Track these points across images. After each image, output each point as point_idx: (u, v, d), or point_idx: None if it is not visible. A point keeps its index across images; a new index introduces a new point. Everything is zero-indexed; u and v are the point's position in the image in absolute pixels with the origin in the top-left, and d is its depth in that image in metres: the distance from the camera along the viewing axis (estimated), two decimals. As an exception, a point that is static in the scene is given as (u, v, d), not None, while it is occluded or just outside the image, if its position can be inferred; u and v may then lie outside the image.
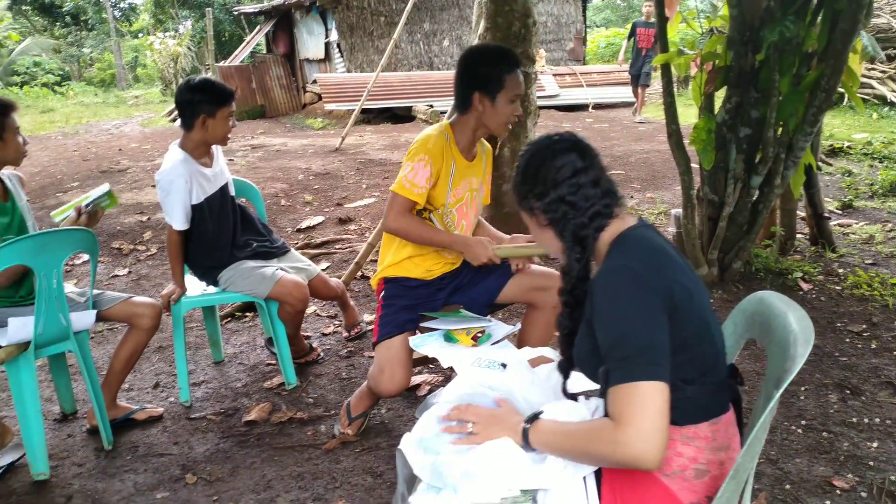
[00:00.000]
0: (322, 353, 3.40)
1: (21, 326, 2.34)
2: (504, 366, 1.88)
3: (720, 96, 3.76)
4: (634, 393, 1.21)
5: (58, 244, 2.41)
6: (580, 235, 1.42)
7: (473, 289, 2.53)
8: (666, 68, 3.78)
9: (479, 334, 2.25)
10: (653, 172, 7.35)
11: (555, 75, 14.17)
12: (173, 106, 14.79)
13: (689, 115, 9.66)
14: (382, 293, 2.53)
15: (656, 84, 12.96)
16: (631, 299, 1.27)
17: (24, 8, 27.65)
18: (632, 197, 6.28)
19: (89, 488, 2.42)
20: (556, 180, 1.42)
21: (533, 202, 1.45)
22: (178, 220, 2.81)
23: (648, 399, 1.20)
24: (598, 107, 13.84)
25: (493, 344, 2.21)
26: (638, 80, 11.14)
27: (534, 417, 1.40)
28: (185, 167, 2.79)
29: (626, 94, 14.32)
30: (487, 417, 1.45)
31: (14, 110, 2.52)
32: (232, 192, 3.07)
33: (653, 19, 10.18)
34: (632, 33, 10.97)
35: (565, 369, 1.55)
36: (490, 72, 2.27)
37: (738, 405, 1.44)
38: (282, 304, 2.93)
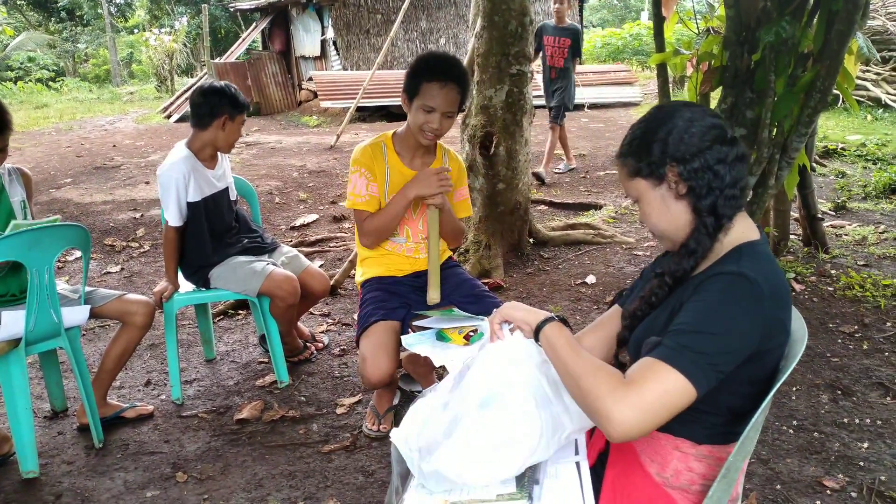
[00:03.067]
0: (315, 352, 3.39)
1: (12, 322, 2.33)
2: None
3: (715, 97, 3.77)
4: (667, 376, 1.13)
5: (50, 240, 2.40)
6: (719, 212, 1.28)
7: (455, 291, 2.55)
8: (662, 68, 3.78)
9: (472, 333, 2.24)
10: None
11: (551, 75, 14.16)
12: (168, 102, 14.79)
13: (684, 115, 9.65)
14: (361, 296, 2.64)
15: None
16: (739, 310, 1.17)
17: (18, 3, 27.52)
18: (626, 196, 6.28)
19: (79, 486, 2.41)
20: (702, 145, 1.29)
21: (670, 167, 1.30)
22: (174, 216, 2.83)
23: (672, 391, 1.12)
24: (594, 107, 13.84)
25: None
26: (553, 113, 7.09)
27: (562, 320, 1.34)
28: (185, 164, 2.82)
29: (622, 94, 14.35)
30: (519, 305, 1.41)
31: None
32: (233, 195, 3.10)
33: (569, 22, 6.97)
34: (538, 44, 6.86)
35: (622, 341, 1.46)
36: (410, 79, 2.35)
37: None
38: (273, 298, 2.93)
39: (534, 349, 1.38)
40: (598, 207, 5.86)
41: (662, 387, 1.12)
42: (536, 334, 1.33)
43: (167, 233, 2.88)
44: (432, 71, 2.31)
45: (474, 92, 4.32)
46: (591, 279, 4.20)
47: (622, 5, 35.76)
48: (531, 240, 4.71)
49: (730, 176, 1.29)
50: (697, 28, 3.99)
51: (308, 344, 3.38)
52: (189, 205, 2.85)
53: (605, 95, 14.22)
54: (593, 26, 31.20)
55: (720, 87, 3.67)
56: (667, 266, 1.36)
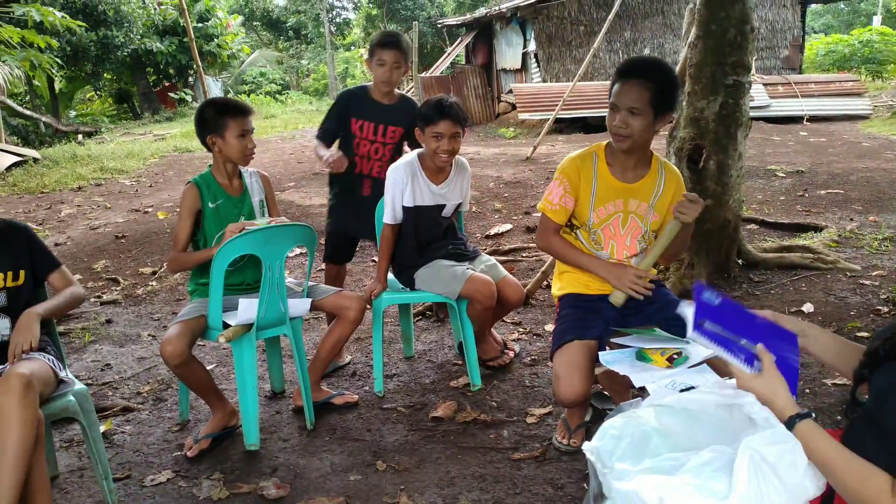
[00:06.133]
0: (508, 360, 3.42)
1: (248, 308, 2.61)
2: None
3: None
4: None
5: (283, 237, 2.67)
6: None
7: (663, 314, 2.42)
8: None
9: (676, 356, 2.14)
10: (877, 193, 6.59)
11: (765, 85, 13.21)
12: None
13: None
14: (558, 310, 2.62)
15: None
16: None
17: (254, 24, 30.93)
18: (852, 219, 5.68)
19: (292, 463, 2.63)
20: None
21: None
22: (388, 214, 3.03)
23: None
24: (814, 119, 12.70)
25: (690, 367, 2.10)
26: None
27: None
28: (407, 169, 3.00)
29: (848, 105, 13.03)
30: (777, 375, 1.37)
31: (235, 114, 2.78)
32: (447, 213, 3.16)
33: (397, 93, 3.41)
34: (336, 128, 3.41)
35: (860, 379, 1.39)
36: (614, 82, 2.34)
37: None
38: (471, 301, 3.00)
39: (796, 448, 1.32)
40: (818, 229, 5.34)
41: None
42: (791, 425, 1.31)
43: (383, 230, 3.08)
44: (618, 72, 2.33)
45: (684, 103, 4.15)
46: (808, 307, 3.84)
47: (849, 10, 32.53)
48: (739, 261, 4.41)
49: None
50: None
51: (504, 351, 3.43)
52: (403, 207, 3.02)
53: (828, 107, 13.01)
54: (815, 32, 28.66)
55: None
56: None
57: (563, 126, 12.48)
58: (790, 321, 1.56)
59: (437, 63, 17.96)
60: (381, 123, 3.35)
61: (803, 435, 1.27)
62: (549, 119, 9.84)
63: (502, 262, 4.92)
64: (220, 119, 2.77)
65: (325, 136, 3.40)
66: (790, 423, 1.29)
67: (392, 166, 3.03)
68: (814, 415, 1.31)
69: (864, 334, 3.43)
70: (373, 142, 3.38)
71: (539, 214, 2.59)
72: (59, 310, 2.40)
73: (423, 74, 16.20)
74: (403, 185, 2.98)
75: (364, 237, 3.57)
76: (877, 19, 24.19)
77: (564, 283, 2.64)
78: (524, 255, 5.28)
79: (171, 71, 20.63)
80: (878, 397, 1.30)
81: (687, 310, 1.61)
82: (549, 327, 3.75)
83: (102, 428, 2.85)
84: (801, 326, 1.55)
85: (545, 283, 4.29)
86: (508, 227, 6.03)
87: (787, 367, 1.42)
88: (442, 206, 3.13)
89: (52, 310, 2.34)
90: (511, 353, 3.50)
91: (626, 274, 2.39)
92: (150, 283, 5.11)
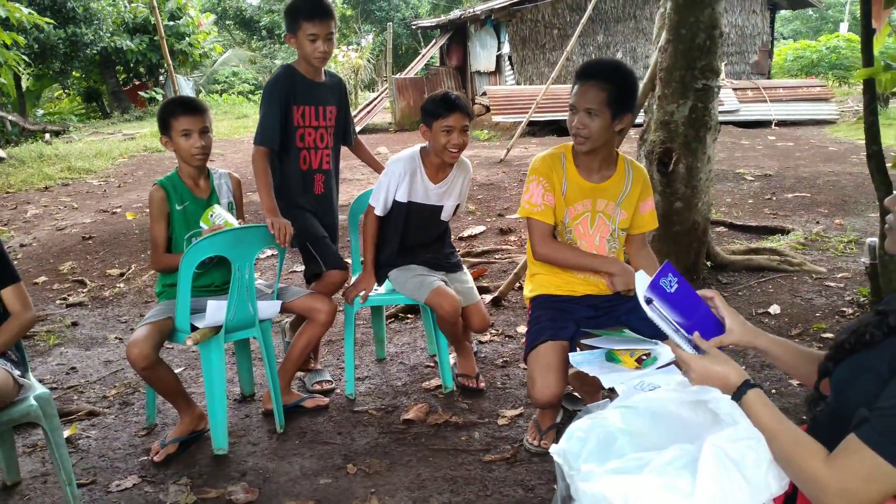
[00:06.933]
0: (475, 386, 3.20)
1: (217, 310, 2.58)
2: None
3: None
4: (871, 463, 1.11)
5: (253, 239, 2.65)
6: None
7: (633, 316, 2.43)
8: (869, 84, 3.44)
9: (644, 357, 2.17)
10: (843, 196, 6.73)
11: (735, 89, 13.42)
12: (352, 115, 15.79)
13: (889, 136, 8.73)
14: (530, 312, 2.61)
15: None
16: None
17: (227, 23, 30.61)
18: (818, 222, 5.79)
19: (261, 467, 2.60)
20: None
21: None
22: (378, 205, 2.94)
23: (878, 478, 1.10)
24: (782, 123, 12.92)
25: (659, 368, 2.12)
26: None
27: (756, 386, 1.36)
28: (406, 164, 2.91)
29: (816, 110, 13.29)
30: (719, 355, 1.42)
31: (178, 113, 2.68)
32: (445, 216, 3.08)
33: (325, 70, 3.06)
34: (275, 122, 2.93)
35: (824, 372, 1.40)
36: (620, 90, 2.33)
37: None
38: (437, 313, 2.95)
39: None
40: (785, 232, 5.44)
41: (866, 473, 1.10)
42: (734, 394, 1.34)
43: (368, 216, 2.98)
44: (577, 74, 2.35)
45: (654, 107, 4.19)
46: (774, 309, 3.90)
47: (817, 16, 33.19)
48: (708, 263, 4.47)
49: None
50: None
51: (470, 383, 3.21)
52: (394, 202, 2.94)
53: (796, 112, 13.27)
54: (784, 38, 29.20)
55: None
56: (894, 307, 1.26)
57: (537, 129, 12.55)
58: (745, 331, 1.59)
59: (412, 64, 17.93)
60: (320, 105, 3.00)
61: (752, 404, 1.30)
62: (522, 122, 9.88)
63: (475, 265, 4.96)
64: (166, 119, 2.72)
65: (274, 139, 2.93)
66: (741, 391, 1.32)
67: (392, 158, 2.95)
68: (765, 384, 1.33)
69: (830, 335, 3.50)
70: (316, 128, 3.03)
71: (515, 219, 2.58)
72: (8, 345, 2.28)
73: (397, 76, 16.17)
74: (399, 179, 2.89)
75: (333, 232, 3.25)
76: (844, 26, 24.72)
77: (535, 284, 2.64)
78: (497, 256, 5.30)
79: (142, 69, 20.32)
80: (837, 389, 1.32)
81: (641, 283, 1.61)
82: (521, 329, 3.76)
83: (67, 433, 2.80)
84: (754, 341, 1.58)
85: (517, 284, 4.30)
86: (482, 228, 6.03)
87: None
88: (439, 208, 3.03)
89: (3, 347, 2.25)
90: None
91: (629, 283, 2.38)
92: (118, 285, 5.03)
